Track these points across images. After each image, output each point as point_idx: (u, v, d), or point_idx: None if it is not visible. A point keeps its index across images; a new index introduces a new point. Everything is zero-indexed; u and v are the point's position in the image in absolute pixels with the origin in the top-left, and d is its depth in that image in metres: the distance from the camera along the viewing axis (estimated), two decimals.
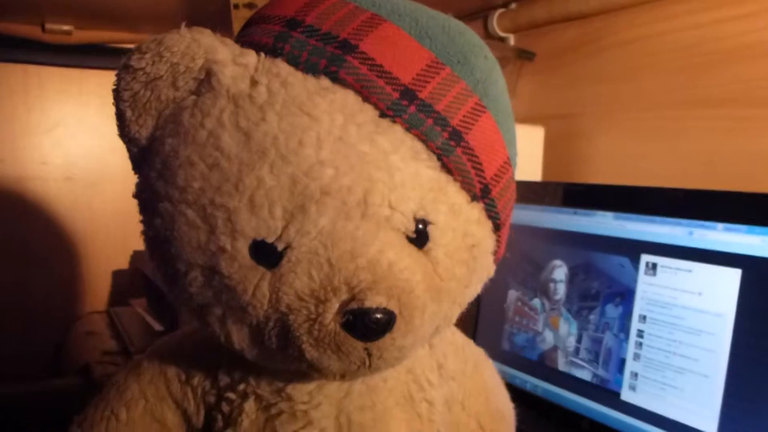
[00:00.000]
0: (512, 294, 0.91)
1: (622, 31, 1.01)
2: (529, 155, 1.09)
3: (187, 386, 0.45)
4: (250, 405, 0.42)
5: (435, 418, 0.46)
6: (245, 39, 0.38)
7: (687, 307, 0.69)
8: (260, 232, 0.34)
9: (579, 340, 0.80)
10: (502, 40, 1.21)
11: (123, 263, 1.38)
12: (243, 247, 0.35)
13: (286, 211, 0.34)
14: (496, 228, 0.42)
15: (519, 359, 0.88)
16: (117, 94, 0.38)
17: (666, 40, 0.94)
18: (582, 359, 0.79)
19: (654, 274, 0.73)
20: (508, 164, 0.41)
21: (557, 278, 0.84)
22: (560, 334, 0.83)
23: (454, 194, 0.38)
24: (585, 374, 0.79)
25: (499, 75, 0.42)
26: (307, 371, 0.39)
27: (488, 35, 1.22)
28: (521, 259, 0.90)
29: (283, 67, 0.36)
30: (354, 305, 0.34)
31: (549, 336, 0.84)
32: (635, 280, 0.74)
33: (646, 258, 0.74)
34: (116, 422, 0.45)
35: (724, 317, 0.66)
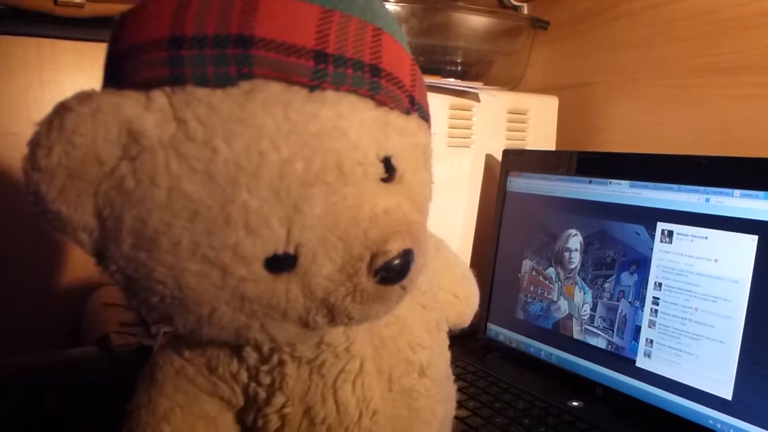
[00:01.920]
0: (527, 263, 0.91)
1: None
2: (543, 124, 1.09)
3: (214, 377, 0.46)
4: (290, 368, 0.44)
5: (434, 306, 0.52)
6: (134, 81, 0.35)
7: (703, 274, 0.69)
8: (269, 249, 0.35)
9: (594, 309, 0.80)
10: (516, 9, 1.21)
11: None
12: (259, 268, 0.36)
13: (282, 219, 0.35)
14: (425, 118, 0.44)
15: (534, 328, 0.88)
16: (39, 197, 0.35)
17: (680, 7, 0.94)
18: (597, 327, 0.80)
19: (670, 241, 0.73)
20: (413, 63, 0.43)
21: (572, 247, 0.84)
22: (575, 303, 0.83)
23: (395, 118, 0.40)
24: (600, 342, 0.79)
25: None
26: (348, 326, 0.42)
27: (502, 4, 1.21)
28: (536, 229, 0.90)
29: (197, 93, 0.34)
30: (381, 262, 0.36)
31: (564, 305, 0.84)
32: (651, 248, 0.74)
33: (662, 226, 0.74)
34: None
35: (740, 284, 0.66)
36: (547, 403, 0.77)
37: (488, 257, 0.97)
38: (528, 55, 1.15)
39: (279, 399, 0.44)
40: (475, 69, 1.11)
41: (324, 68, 0.36)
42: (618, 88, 1.04)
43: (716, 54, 0.89)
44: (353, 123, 0.37)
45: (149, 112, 0.34)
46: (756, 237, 0.65)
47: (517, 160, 0.95)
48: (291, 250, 0.35)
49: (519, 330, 0.90)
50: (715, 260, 0.69)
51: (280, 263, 0.36)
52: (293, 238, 0.35)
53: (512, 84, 1.15)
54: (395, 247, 0.36)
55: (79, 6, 1.20)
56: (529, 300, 0.90)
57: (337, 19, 0.37)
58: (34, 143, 0.34)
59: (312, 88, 0.36)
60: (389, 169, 0.39)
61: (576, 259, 0.83)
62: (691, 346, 0.70)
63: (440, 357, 0.52)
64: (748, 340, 0.65)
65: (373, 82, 0.38)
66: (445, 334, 0.53)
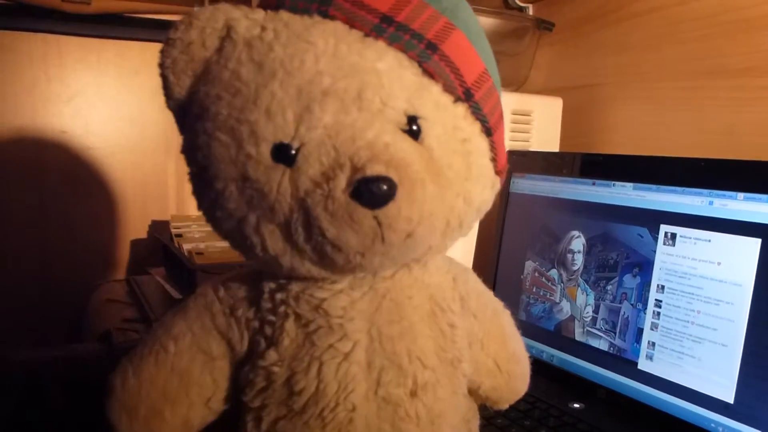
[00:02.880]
0: (529, 265, 0.91)
1: (641, 0, 1.00)
2: (547, 126, 1.08)
3: (232, 318, 0.49)
4: (290, 324, 0.46)
5: (457, 341, 0.50)
6: (261, 4, 0.46)
7: (706, 277, 0.69)
8: (278, 136, 0.41)
9: (596, 311, 0.80)
10: (521, 10, 1.21)
11: (142, 232, 1.40)
12: (265, 151, 0.41)
13: (296, 114, 0.41)
14: (488, 133, 0.47)
15: (536, 329, 0.88)
16: (161, 62, 0.45)
17: (686, 9, 0.94)
18: (599, 329, 0.80)
19: (673, 244, 0.73)
20: (487, 74, 0.47)
21: (575, 249, 0.84)
22: (577, 305, 0.83)
23: (438, 94, 0.44)
24: (602, 344, 0.79)
25: (466, 6, 0.48)
26: (334, 263, 0.43)
27: (507, 5, 1.21)
28: (539, 230, 0.90)
29: (284, 14, 0.43)
30: (358, 175, 0.39)
31: (566, 306, 0.84)
32: (654, 251, 0.74)
33: (665, 228, 0.74)
34: (165, 354, 0.49)
35: (743, 287, 0.66)
36: (548, 404, 0.77)
37: (491, 258, 0.97)
38: (532, 56, 1.15)
39: (272, 354, 0.46)
40: None
41: (386, 28, 0.42)
42: (622, 89, 1.04)
43: (721, 56, 0.89)
44: (390, 70, 0.42)
45: (247, 19, 0.43)
46: (759, 240, 0.65)
47: (520, 161, 0.95)
48: (295, 145, 0.41)
49: (522, 331, 0.90)
50: (718, 263, 0.69)
51: (284, 155, 0.41)
52: (299, 134, 0.41)
53: (516, 85, 1.15)
54: (377, 169, 0.39)
55: (86, 3, 1.20)
56: (532, 301, 0.90)
57: (415, 3, 0.43)
58: (174, 23, 0.44)
59: (367, 36, 0.42)
60: (413, 129, 0.43)
61: (579, 260, 0.83)
62: (693, 348, 0.70)
63: (448, 394, 0.49)
64: (751, 344, 0.65)
65: (425, 52, 0.43)
66: (461, 376, 0.51)
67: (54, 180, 1.31)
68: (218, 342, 0.49)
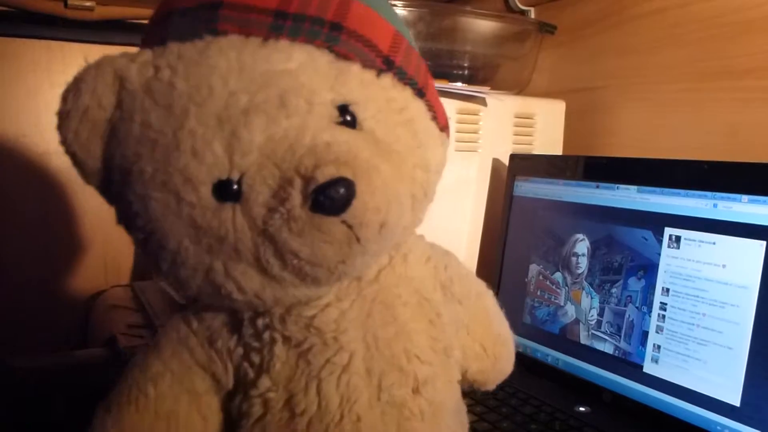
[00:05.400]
0: (534, 268, 0.91)
1: (643, 2, 1.00)
2: (550, 129, 1.08)
3: (212, 350, 0.47)
4: (279, 348, 0.44)
5: (446, 329, 0.50)
6: (142, 48, 0.43)
7: (711, 280, 0.69)
8: (214, 174, 0.38)
9: (601, 314, 0.80)
10: (523, 13, 1.21)
11: None
12: (207, 194, 0.38)
13: (224, 144, 0.38)
14: (420, 94, 0.46)
15: (540, 333, 0.88)
16: (62, 140, 0.42)
17: (688, 11, 0.93)
18: (604, 332, 0.79)
19: (677, 247, 0.73)
20: (400, 36, 0.45)
21: (579, 252, 0.84)
22: (582, 308, 0.83)
23: (359, 72, 0.42)
24: (607, 347, 0.79)
25: None
26: (317, 280, 0.41)
27: (509, 8, 1.21)
28: (543, 233, 0.90)
29: (172, 45, 0.40)
30: (311, 186, 0.37)
31: (571, 309, 0.84)
32: (658, 253, 0.74)
33: (669, 231, 0.74)
34: (145, 398, 0.46)
35: (749, 289, 0.66)
36: (554, 408, 0.77)
37: (495, 261, 0.97)
38: (535, 59, 1.15)
39: (264, 382, 0.44)
40: (482, 73, 1.11)
41: (282, 23, 0.40)
42: (625, 92, 1.04)
43: (724, 58, 0.89)
44: (303, 67, 0.40)
45: (134, 63, 0.40)
46: (764, 243, 0.65)
47: (524, 164, 0.95)
48: (234, 177, 0.38)
49: (526, 335, 0.90)
50: (723, 266, 0.68)
51: (226, 191, 0.38)
52: (235, 165, 0.38)
53: (519, 88, 1.15)
54: (327, 172, 0.37)
55: (89, 9, 1.20)
56: (536, 304, 0.90)
57: None
58: (61, 100, 0.41)
59: (267, 39, 0.40)
60: (347, 114, 0.41)
61: (583, 263, 0.83)
62: (698, 351, 0.70)
63: (445, 384, 0.49)
64: (757, 346, 0.65)
65: (330, 35, 0.41)
66: (454, 364, 0.51)
67: (58, 186, 1.31)
68: (201, 377, 0.47)
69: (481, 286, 0.57)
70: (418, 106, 0.45)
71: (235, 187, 0.38)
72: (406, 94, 0.44)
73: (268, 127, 0.38)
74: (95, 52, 1.29)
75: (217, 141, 0.38)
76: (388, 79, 0.43)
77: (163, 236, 0.40)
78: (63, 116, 0.41)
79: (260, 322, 0.45)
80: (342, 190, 0.37)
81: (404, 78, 0.44)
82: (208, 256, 0.40)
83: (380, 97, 0.43)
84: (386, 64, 0.43)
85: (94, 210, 1.35)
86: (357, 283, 0.46)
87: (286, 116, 0.39)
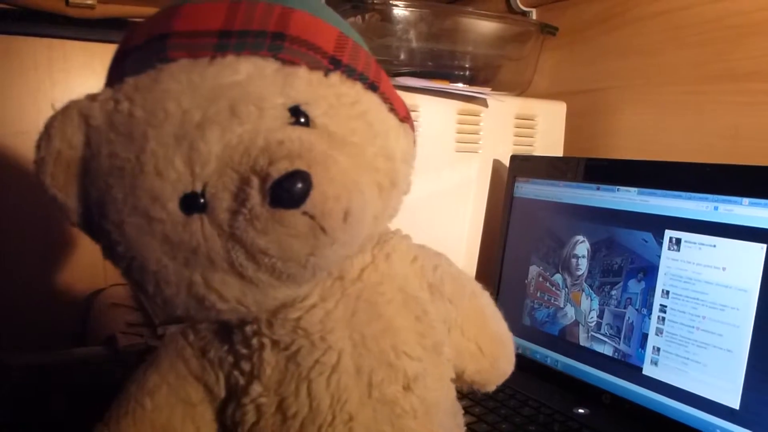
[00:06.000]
0: (534, 269, 0.91)
1: (645, 4, 1.00)
2: (551, 130, 1.08)
3: (205, 360, 0.48)
4: (268, 353, 0.45)
5: (435, 326, 0.50)
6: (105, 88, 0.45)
7: (711, 282, 0.69)
8: (178, 188, 0.40)
9: (601, 316, 0.80)
10: (525, 14, 1.21)
11: None
12: (174, 209, 0.40)
13: (184, 159, 0.39)
14: (373, 88, 0.47)
15: (540, 334, 0.88)
16: (42, 185, 0.44)
17: (690, 13, 0.93)
18: (603, 334, 0.79)
19: (678, 249, 0.73)
20: (344, 36, 0.46)
21: (579, 254, 0.84)
22: (582, 310, 0.83)
23: (306, 74, 0.43)
24: (607, 349, 0.79)
25: None
26: (293, 277, 0.42)
27: (510, 9, 1.21)
28: (543, 235, 0.90)
29: (128, 80, 0.42)
30: (268, 182, 0.38)
31: (570, 311, 0.84)
32: (659, 256, 0.74)
33: (670, 233, 0.74)
34: (142, 410, 0.48)
35: (749, 292, 0.66)
36: (552, 409, 0.77)
37: (495, 263, 0.97)
38: (536, 60, 1.15)
39: (256, 388, 0.45)
40: (483, 74, 1.11)
41: (226, 42, 0.42)
42: (627, 94, 1.04)
43: (726, 60, 0.89)
44: (250, 76, 0.41)
45: (96, 102, 0.42)
46: (765, 246, 0.65)
47: (524, 165, 0.95)
48: (198, 189, 0.40)
49: (525, 336, 0.90)
50: (723, 268, 0.68)
51: (193, 203, 0.40)
52: (197, 177, 0.39)
53: (520, 89, 1.14)
54: (281, 167, 0.38)
55: (90, 7, 1.20)
56: (536, 306, 0.90)
57: (243, 7, 0.43)
58: (35, 150, 0.43)
59: (214, 57, 0.42)
60: (300, 115, 0.42)
61: (583, 265, 0.83)
62: (698, 354, 0.70)
63: (436, 381, 0.50)
64: (756, 349, 0.65)
65: (273, 44, 0.43)
66: (445, 362, 0.51)
67: None
68: (195, 388, 0.49)
69: (476, 286, 0.57)
70: (370, 99, 0.46)
71: (201, 200, 0.40)
72: (356, 89, 0.45)
73: (222, 136, 0.40)
74: (96, 50, 1.30)
75: (177, 157, 0.39)
76: (336, 77, 0.44)
77: (142, 259, 0.41)
78: (39, 163, 0.43)
79: (248, 329, 0.46)
80: (298, 183, 0.38)
81: (353, 74, 0.45)
82: (186, 270, 0.41)
83: (330, 94, 0.44)
84: (333, 64, 0.45)
85: None
86: (340, 282, 0.47)
87: (239, 124, 0.40)
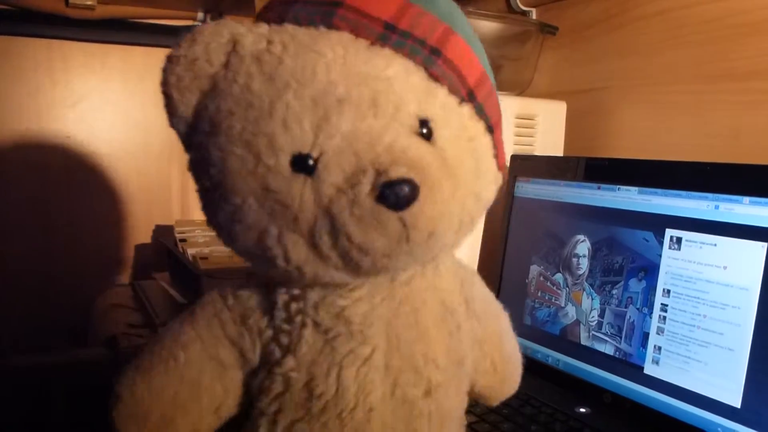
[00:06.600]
0: (534, 269, 0.91)
1: (645, 4, 1.00)
2: (551, 130, 1.08)
3: (243, 327, 0.49)
4: (308, 332, 0.47)
5: (463, 341, 0.52)
6: (263, 19, 0.46)
7: (712, 281, 0.69)
8: (296, 146, 0.41)
9: (602, 315, 0.80)
10: (525, 14, 1.21)
11: (146, 237, 1.40)
12: (285, 162, 0.41)
13: (313, 123, 0.41)
14: (490, 131, 0.48)
15: (541, 334, 0.88)
16: (164, 80, 0.45)
17: (690, 13, 0.94)
18: (605, 333, 0.79)
19: (678, 248, 0.73)
20: (486, 76, 0.49)
21: (580, 253, 0.84)
22: (583, 309, 0.83)
23: (444, 96, 0.45)
24: (608, 348, 0.79)
25: (461, 13, 0.49)
26: (359, 267, 0.43)
27: (510, 9, 1.21)
28: (544, 234, 0.90)
29: (288, 26, 0.44)
30: (382, 179, 0.40)
31: (571, 311, 0.84)
32: (659, 255, 0.74)
33: (670, 232, 0.74)
34: (174, 363, 0.49)
35: (749, 291, 0.66)
36: (554, 409, 0.77)
37: (496, 262, 0.97)
38: (536, 60, 1.15)
39: (289, 361, 0.47)
40: None
41: (389, 34, 0.44)
42: (627, 93, 1.04)
43: (726, 60, 0.89)
44: (399, 77, 0.43)
45: (251, 33, 0.44)
46: (765, 244, 0.65)
47: (525, 165, 0.95)
48: (314, 154, 0.41)
49: (526, 335, 0.90)
50: (724, 267, 0.68)
51: (303, 165, 0.41)
52: (317, 144, 0.41)
53: (520, 89, 1.15)
54: (400, 171, 0.40)
55: (90, 8, 1.21)
56: (537, 305, 0.90)
57: (415, 11, 0.45)
58: (176, 45, 0.44)
59: (373, 44, 0.43)
60: (426, 129, 0.44)
61: (584, 265, 0.83)
62: (699, 353, 0.70)
63: (455, 392, 0.52)
64: (757, 348, 0.65)
65: (429, 57, 0.44)
66: (465, 375, 0.53)
67: (58, 185, 1.31)
68: (229, 351, 0.50)
69: (498, 308, 0.59)
70: (486, 141, 0.48)
71: (311, 162, 0.41)
72: (478, 127, 0.47)
73: (356, 119, 0.41)
74: (96, 50, 1.31)
75: (307, 119, 0.41)
76: (466, 109, 0.46)
77: (231, 190, 0.43)
78: (172, 60, 0.44)
79: (294, 306, 0.48)
80: (407, 189, 0.40)
81: (481, 113, 0.47)
82: (267, 218, 0.43)
83: (456, 123, 0.46)
84: (469, 96, 0.46)
85: (95, 208, 1.35)
86: (390, 283, 0.48)
87: (374, 115, 0.42)
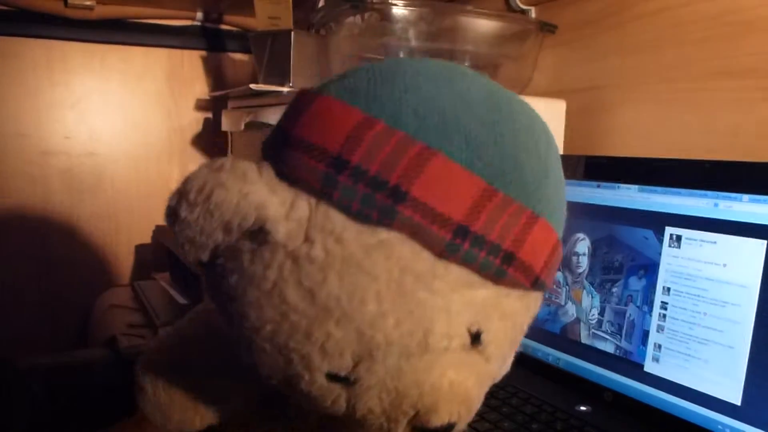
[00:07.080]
0: None
1: (644, 2, 1.00)
2: (551, 128, 1.08)
3: None
4: None
5: None
6: (289, 171, 0.38)
7: (711, 279, 0.69)
8: (333, 369, 0.38)
9: (602, 313, 0.80)
10: (524, 12, 1.20)
11: (146, 238, 1.40)
12: (320, 377, 0.39)
13: (354, 355, 0.38)
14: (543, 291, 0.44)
15: (541, 332, 0.88)
16: (174, 233, 0.39)
17: (690, 11, 0.93)
18: (605, 332, 0.79)
19: (678, 246, 0.73)
20: (558, 244, 0.43)
21: (580, 251, 0.84)
22: (583, 307, 0.83)
23: (506, 301, 0.40)
24: (608, 346, 0.79)
25: (554, 156, 0.44)
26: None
27: (510, 7, 1.21)
28: None
29: (335, 220, 0.36)
30: (420, 422, 0.38)
31: (571, 309, 0.84)
32: (659, 253, 0.74)
33: (670, 230, 0.74)
34: None
35: (749, 288, 0.66)
36: (555, 407, 0.76)
37: None
38: (536, 58, 1.15)
39: None
40: (482, 72, 1.11)
41: (459, 244, 0.36)
42: (627, 91, 1.04)
43: (726, 58, 0.89)
44: (460, 299, 0.38)
45: (287, 221, 0.36)
46: (765, 242, 0.65)
47: None
48: (352, 378, 0.39)
49: (526, 334, 0.89)
50: (724, 265, 0.68)
51: (339, 379, 0.39)
52: (357, 372, 0.38)
53: (520, 88, 1.14)
54: (442, 419, 0.38)
55: (89, 8, 1.21)
56: None
57: (497, 201, 0.37)
58: (183, 193, 0.37)
59: (439, 256, 0.37)
60: (475, 340, 0.40)
61: (584, 263, 0.83)
62: (699, 350, 0.70)
63: None
64: (757, 345, 0.65)
65: (500, 268, 0.38)
66: None
67: (58, 185, 1.31)
68: None
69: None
70: (534, 308, 0.45)
71: (350, 378, 0.39)
72: (532, 305, 0.44)
73: (402, 356, 0.38)
74: (95, 50, 1.30)
75: (348, 351, 0.37)
76: (524, 301, 0.42)
77: (256, 339, 0.40)
78: (180, 223, 0.38)
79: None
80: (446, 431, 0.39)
81: (542, 287, 0.43)
82: (288, 368, 0.40)
83: (509, 325, 0.42)
84: (532, 285, 0.41)
85: (94, 209, 1.35)
86: None
87: (423, 352, 0.38)
